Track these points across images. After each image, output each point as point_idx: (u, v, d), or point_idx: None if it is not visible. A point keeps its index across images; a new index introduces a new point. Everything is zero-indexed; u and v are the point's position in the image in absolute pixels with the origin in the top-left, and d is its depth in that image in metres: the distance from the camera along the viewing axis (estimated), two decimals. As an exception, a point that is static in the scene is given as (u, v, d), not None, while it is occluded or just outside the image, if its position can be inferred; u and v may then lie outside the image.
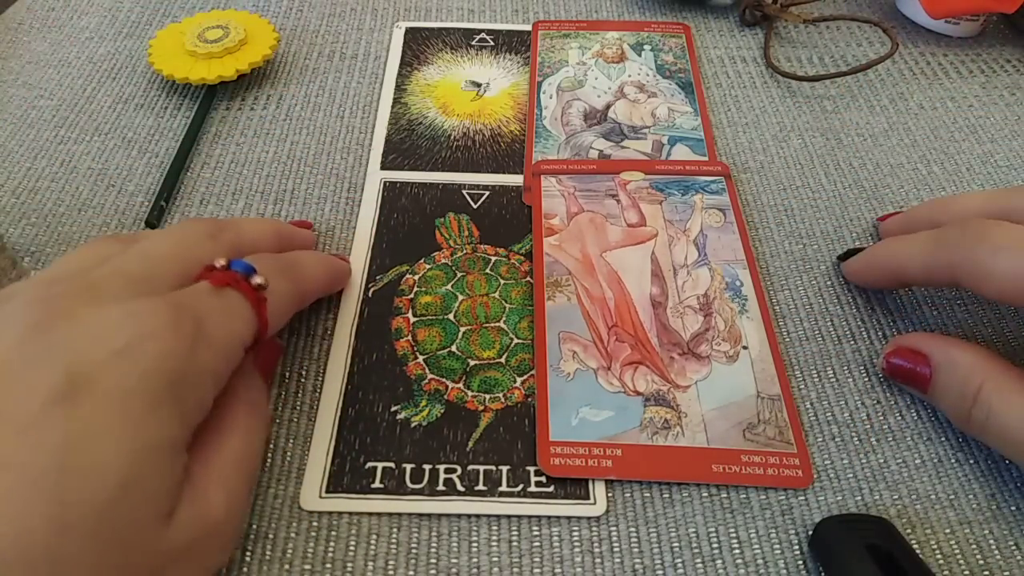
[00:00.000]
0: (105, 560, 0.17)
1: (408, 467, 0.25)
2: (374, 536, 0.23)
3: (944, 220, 0.27)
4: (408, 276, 0.30)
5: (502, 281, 0.30)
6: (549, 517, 0.24)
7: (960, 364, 0.25)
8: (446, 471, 0.25)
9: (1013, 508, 0.25)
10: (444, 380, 0.27)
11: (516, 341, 0.28)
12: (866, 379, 0.28)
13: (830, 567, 0.22)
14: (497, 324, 0.29)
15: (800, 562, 0.23)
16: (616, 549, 0.23)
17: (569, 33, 0.43)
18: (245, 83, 0.39)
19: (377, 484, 0.24)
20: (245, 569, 0.23)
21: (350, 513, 0.24)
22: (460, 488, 0.24)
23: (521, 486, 0.24)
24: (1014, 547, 0.24)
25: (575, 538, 0.24)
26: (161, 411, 0.18)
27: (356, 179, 0.35)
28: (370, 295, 0.30)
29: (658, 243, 0.31)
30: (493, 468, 0.25)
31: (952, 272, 0.25)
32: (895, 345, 0.27)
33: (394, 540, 0.23)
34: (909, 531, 0.24)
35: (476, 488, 0.24)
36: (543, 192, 0.34)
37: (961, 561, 0.23)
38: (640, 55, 0.41)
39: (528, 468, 0.25)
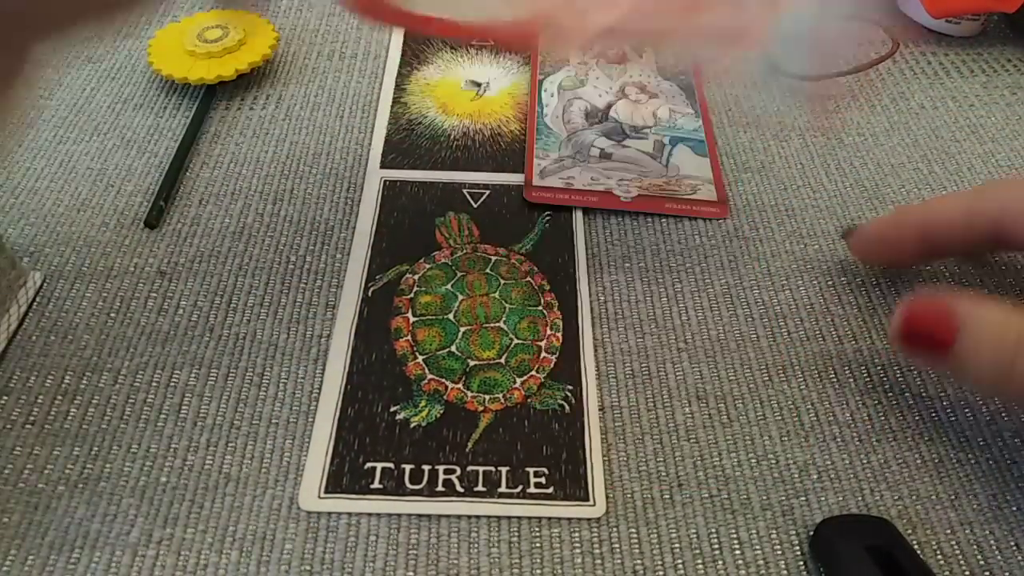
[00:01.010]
0: None
1: (407, 467, 0.25)
2: (373, 537, 0.23)
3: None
4: (408, 275, 0.30)
5: (502, 281, 0.30)
6: (549, 518, 0.24)
7: (990, 317, 0.23)
8: (445, 472, 0.25)
9: (1015, 508, 0.24)
10: (444, 380, 0.27)
11: (516, 342, 0.28)
12: (867, 379, 0.28)
13: (831, 568, 0.22)
14: (497, 324, 0.29)
15: (801, 563, 0.23)
16: (616, 550, 0.23)
17: (569, 33, 0.43)
18: (244, 83, 0.39)
19: (376, 484, 0.24)
20: (243, 570, 0.23)
21: (349, 514, 0.24)
22: (459, 489, 0.24)
23: (520, 487, 0.24)
24: (1015, 548, 0.24)
25: (575, 539, 0.23)
26: None
27: (356, 178, 0.34)
28: (369, 295, 0.30)
29: None
30: (492, 469, 0.25)
31: (999, 219, 0.23)
32: (911, 306, 0.24)
33: (393, 541, 0.23)
34: (910, 531, 0.24)
35: (475, 489, 0.24)
36: None
37: (962, 562, 0.23)
38: (641, 56, 0.41)
39: (528, 469, 0.25)
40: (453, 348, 0.28)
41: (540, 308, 0.29)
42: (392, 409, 0.26)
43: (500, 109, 0.38)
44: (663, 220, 0.33)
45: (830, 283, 0.31)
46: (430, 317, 0.29)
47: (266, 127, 0.37)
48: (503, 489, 0.24)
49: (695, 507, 0.24)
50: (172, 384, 0.27)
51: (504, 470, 0.25)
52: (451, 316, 0.29)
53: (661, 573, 0.23)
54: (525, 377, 0.27)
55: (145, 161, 0.35)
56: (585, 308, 0.29)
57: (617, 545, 0.23)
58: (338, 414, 0.26)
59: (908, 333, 0.24)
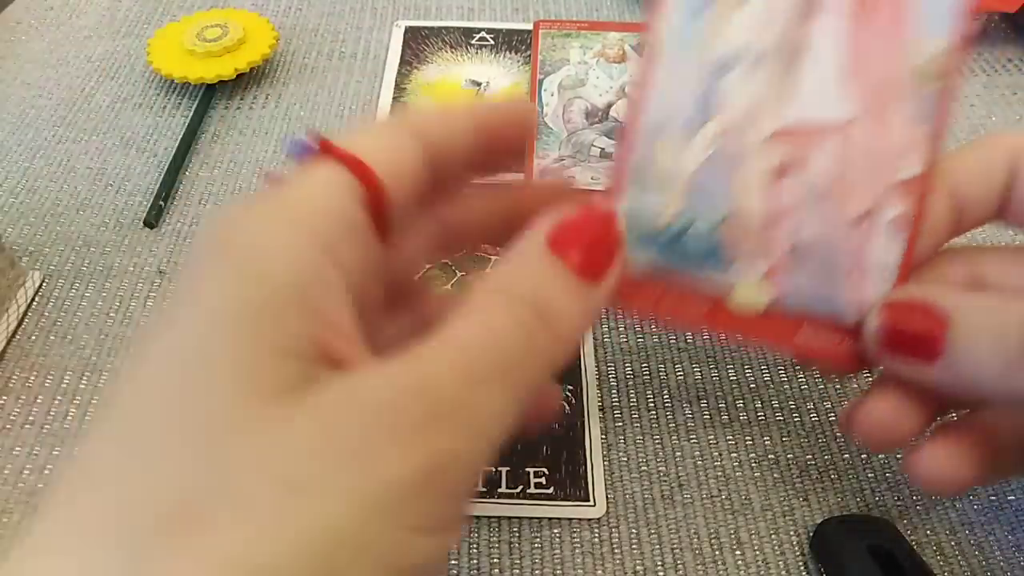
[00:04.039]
0: None
1: (407, 468, 0.25)
2: (373, 537, 0.23)
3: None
4: (407, 276, 0.30)
5: (502, 281, 0.30)
6: (549, 519, 0.24)
7: (984, 303, 0.19)
8: (445, 472, 0.25)
9: (1016, 509, 0.24)
10: (444, 380, 0.27)
11: (516, 341, 0.28)
12: (868, 379, 0.28)
13: (832, 568, 0.22)
14: (497, 324, 0.29)
15: (801, 563, 0.23)
16: (617, 551, 0.23)
17: (571, 33, 0.43)
18: (244, 82, 0.39)
19: (376, 485, 0.24)
20: (243, 570, 0.22)
21: (349, 514, 0.24)
22: (460, 489, 0.24)
23: (520, 487, 0.24)
24: (1016, 548, 0.24)
25: (575, 540, 0.23)
26: None
27: (355, 178, 0.34)
28: (369, 295, 0.30)
29: None
30: (492, 469, 0.25)
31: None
32: (888, 309, 0.20)
33: (393, 541, 0.23)
34: (910, 532, 0.24)
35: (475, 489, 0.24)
36: None
37: (963, 562, 0.23)
38: (642, 56, 0.41)
39: (527, 469, 0.25)
40: (453, 348, 0.28)
41: (540, 308, 0.29)
42: (392, 409, 0.26)
43: (500, 108, 0.38)
44: (663, 220, 0.33)
45: (830, 283, 0.31)
46: (430, 317, 0.29)
47: (265, 126, 0.37)
48: (503, 489, 0.24)
49: (695, 507, 0.24)
50: (172, 384, 0.27)
51: (504, 470, 0.25)
52: (451, 316, 0.29)
53: (662, 574, 0.23)
54: (525, 377, 0.27)
55: (144, 160, 0.35)
56: (585, 308, 0.29)
57: (617, 546, 0.23)
58: (338, 414, 0.26)
59: (890, 340, 0.20)
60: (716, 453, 0.26)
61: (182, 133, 0.36)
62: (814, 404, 0.27)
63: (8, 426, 0.25)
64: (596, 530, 0.24)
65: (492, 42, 0.42)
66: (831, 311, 0.20)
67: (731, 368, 0.28)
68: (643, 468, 0.25)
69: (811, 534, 0.24)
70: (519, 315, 0.15)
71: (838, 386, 0.27)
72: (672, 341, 0.29)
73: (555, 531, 0.24)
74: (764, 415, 0.27)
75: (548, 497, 0.24)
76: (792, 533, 0.24)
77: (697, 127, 0.20)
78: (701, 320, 0.21)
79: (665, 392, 0.27)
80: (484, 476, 0.24)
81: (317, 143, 0.16)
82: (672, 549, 0.23)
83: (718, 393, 0.27)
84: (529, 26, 0.43)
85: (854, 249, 0.20)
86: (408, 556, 0.13)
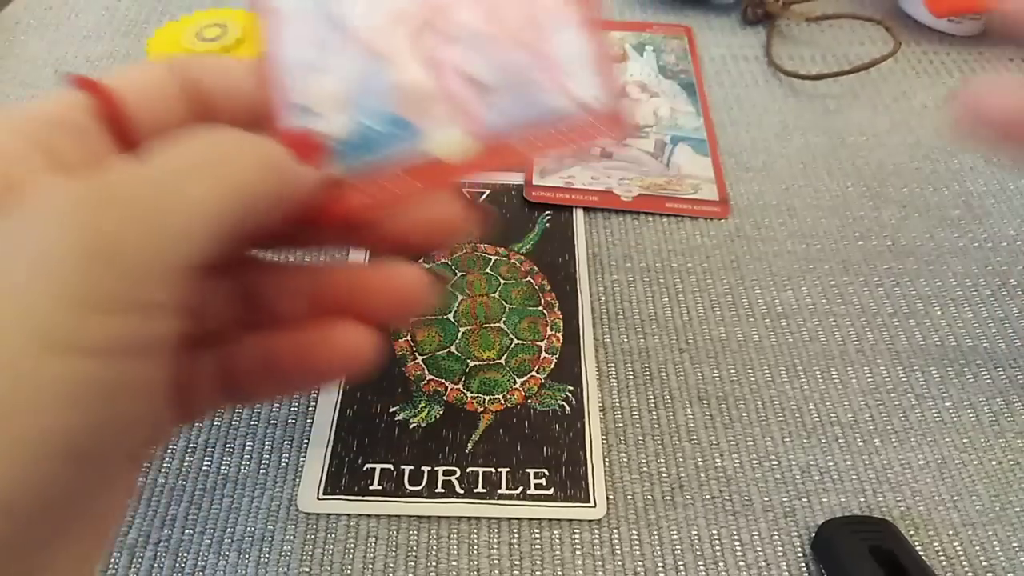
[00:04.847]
0: None
1: (407, 469, 0.25)
2: (372, 538, 0.23)
3: None
4: (407, 276, 0.30)
5: (502, 281, 0.30)
6: (550, 520, 0.24)
7: None
8: (445, 473, 0.25)
9: (1018, 509, 0.24)
10: (443, 381, 0.27)
11: (516, 342, 0.28)
12: (870, 379, 0.28)
13: (833, 569, 0.22)
14: (497, 324, 0.29)
15: (803, 564, 0.23)
16: (617, 552, 0.23)
17: (569, 31, 0.42)
18: (243, 82, 0.39)
19: (375, 486, 0.24)
20: (241, 571, 0.22)
21: (348, 515, 0.24)
22: (459, 490, 0.24)
23: (521, 488, 0.24)
24: (1018, 549, 0.23)
25: (576, 541, 0.23)
26: None
27: (355, 178, 0.34)
28: (369, 295, 0.30)
29: None
30: (492, 470, 0.25)
31: None
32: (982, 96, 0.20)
33: (393, 542, 0.23)
34: (912, 533, 0.24)
35: (475, 490, 0.24)
36: None
37: (965, 563, 0.23)
38: (642, 55, 0.41)
39: (528, 470, 0.25)
40: (453, 348, 0.28)
41: (540, 308, 0.29)
42: (391, 410, 0.26)
43: (500, 108, 0.38)
44: (664, 219, 0.33)
45: (832, 283, 0.31)
46: (429, 317, 0.29)
47: (265, 126, 0.37)
48: (503, 490, 0.24)
49: (696, 509, 0.24)
50: (170, 384, 0.27)
51: (504, 471, 0.25)
52: (451, 316, 0.29)
53: (662, 575, 0.23)
54: (525, 378, 0.27)
55: (143, 160, 0.35)
56: (586, 308, 0.29)
57: (618, 547, 0.23)
58: (337, 415, 0.26)
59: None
60: (717, 454, 0.25)
61: (181, 133, 0.36)
62: (815, 405, 0.27)
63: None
64: (596, 531, 0.24)
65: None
66: (546, 114, 0.20)
67: (732, 368, 0.28)
68: (644, 469, 0.25)
69: (813, 535, 0.23)
70: (227, 134, 0.16)
71: (840, 386, 0.27)
72: (674, 341, 0.29)
73: (555, 532, 0.23)
74: (765, 416, 0.26)
75: (548, 498, 0.24)
76: (794, 534, 0.24)
77: (333, 43, 0.20)
78: (428, 183, 0.20)
79: (666, 393, 0.27)
80: (484, 476, 0.24)
81: (75, 80, 0.17)
82: (673, 550, 0.23)
83: (719, 394, 0.27)
84: (529, 25, 0.43)
85: (537, 58, 0.20)
86: (78, 334, 0.13)
